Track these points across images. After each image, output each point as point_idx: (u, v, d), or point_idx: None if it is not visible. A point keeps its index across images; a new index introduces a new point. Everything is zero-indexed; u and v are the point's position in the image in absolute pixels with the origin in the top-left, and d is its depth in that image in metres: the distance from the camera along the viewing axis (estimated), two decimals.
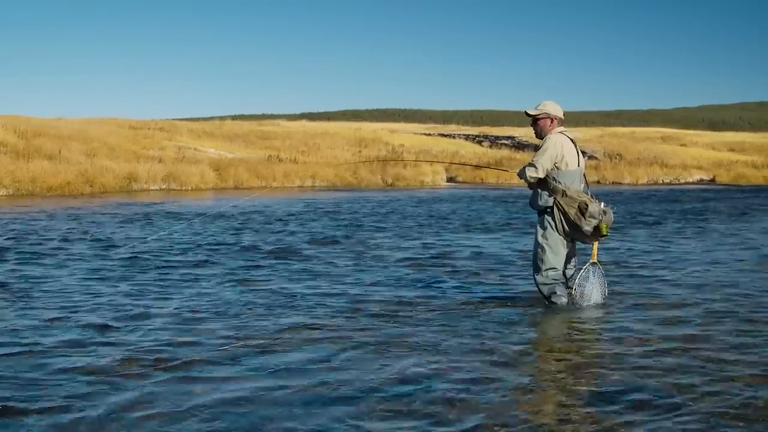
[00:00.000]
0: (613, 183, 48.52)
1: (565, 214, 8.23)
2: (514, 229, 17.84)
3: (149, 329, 7.40)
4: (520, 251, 13.50)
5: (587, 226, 8.17)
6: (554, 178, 8.32)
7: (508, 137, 70.65)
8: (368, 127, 76.40)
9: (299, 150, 48.76)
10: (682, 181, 52.98)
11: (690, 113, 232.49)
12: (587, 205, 8.16)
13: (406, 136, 66.39)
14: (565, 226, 8.28)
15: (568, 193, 8.25)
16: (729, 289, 9.79)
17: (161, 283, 10.00)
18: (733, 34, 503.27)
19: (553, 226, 8.33)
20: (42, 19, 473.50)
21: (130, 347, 6.72)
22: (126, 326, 7.49)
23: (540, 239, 8.44)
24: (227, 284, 10.01)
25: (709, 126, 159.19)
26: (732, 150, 73.29)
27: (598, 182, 47.53)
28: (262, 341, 6.96)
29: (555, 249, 8.38)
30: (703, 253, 13.60)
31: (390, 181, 41.75)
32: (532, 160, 8.42)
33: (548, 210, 8.37)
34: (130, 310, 8.28)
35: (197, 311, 8.24)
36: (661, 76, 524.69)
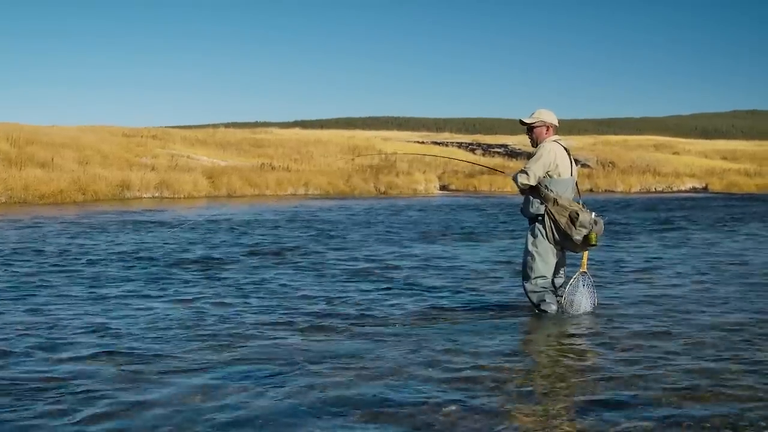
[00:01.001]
0: (605, 191, 48.59)
1: (555, 222, 8.23)
2: (471, 240, 17.78)
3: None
4: (479, 261, 13.51)
5: (577, 236, 8.18)
6: (546, 186, 8.31)
7: (501, 145, 70.68)
8: (361, 135, 76.36)
9: (292, 158, 48.74)
10: (674, 189, 53.05)
11: (682, 121, 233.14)
12: (578, 215, 8.16)
13: (400, 144, 66.39)
14: (556, 235, 8.28)
15: (560, 202, 8.24)
16: (714, 298, 9.83)
17: (60, 299, 9.40)
18: (725, 42, 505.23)
19: (544, 234, 8.32)
20: (35, 27, 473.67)
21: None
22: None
23: (530, 247, 8.42)
24: (144, 299, 9.49)
25: (702, 134, 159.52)
26: (724, 158, 73.39)
27: (591, 190, 47.56)
28: (166, 364, 6.50)
29: (545, 257, 8.36)
30: (688, 260, 13.63)
31: (383, 189, 41.76)
32: (525, 167, 8.42)
33: (539, 218, 8.36)
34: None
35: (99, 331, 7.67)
36: (654, 84, 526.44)
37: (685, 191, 51.93)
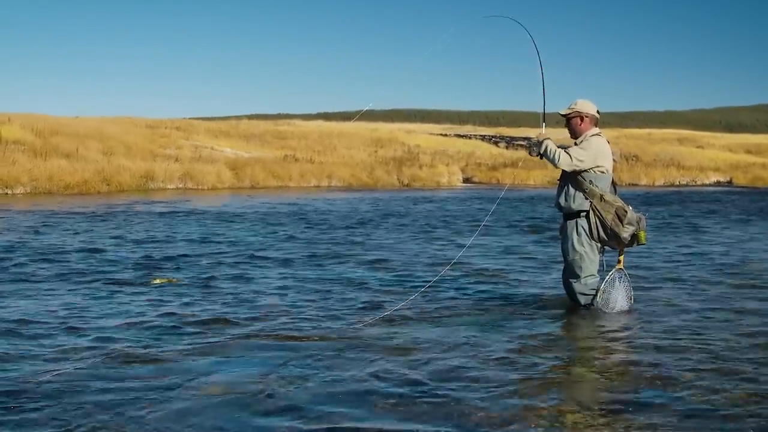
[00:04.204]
0: (629, 184, 48.25)
1: (602, 219, 8.03)
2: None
3: None
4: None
5: (625, 233, 7.99)
6: (591, 182, 8.13)
7: (524, 138, 70.40)
8: (384, 128, 76.23)
9: (315, 150, 48.74)
10: (698, 182, 52.70)
11: (706, 115, 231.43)
12: (626, 211, 8.00)
13: (423, 136, 66.29)
14: (601, 232, 8.08)
15: (606, 198, 8.07)
16: (746, 291, 9.74)
17: None
18: (749, 36, 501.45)
19: (588, 231, 8.13)
20: (59, 18, 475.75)
21: None
22: None
23: (577, 246, 8.19)
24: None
25: (726, 128, 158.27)
26: (749, 152, 72.78)
27: (614, 183, 47.20)
28: None
29: (591, 255, 8.19)
30: (722, 256, 13.51)
31: (406, 181, 41.70)
32: (571, 152, 8.13)
33: (582, 214, 8.17)
34: None
35: None
36: (678, 77, 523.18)
37: (710, 185, 51.59)
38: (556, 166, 8.20)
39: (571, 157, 8.11)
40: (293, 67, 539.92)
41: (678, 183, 51.94)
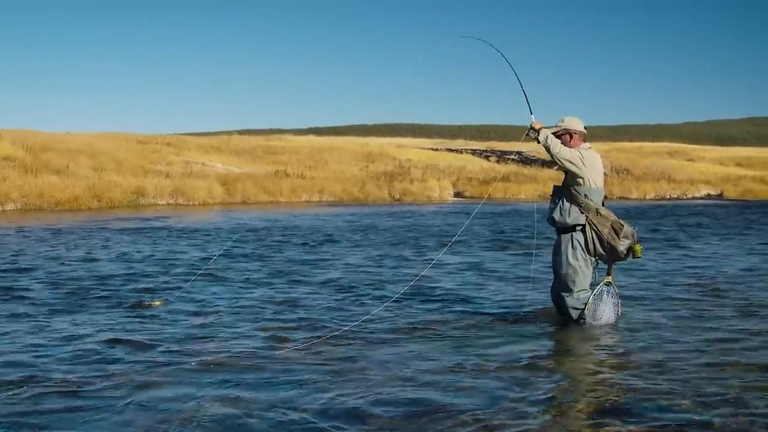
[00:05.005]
0: (620, 198, 48.39)
1: (598, 233, 8.02)
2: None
3: None
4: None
5: (622, 246, 7.98)
6: (586, 195, 8.12)
7: (515, 152, 70.45)
8: (375, 142, 76.27)
9: (306, 165, 48.76)
10: (689, 196, 52.91)
11: (697, 128, 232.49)
12: (622, 225, 8.01)
13: (414, 150, 66.37)
14: (598, 246, 8.07)
15: (601, 212, 8.06)
16: (736, 304, 9.73)
17: None
18: (740, 49, 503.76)
19: (583, 245, 8.11)
20: (50, 34, 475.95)
21: None
22: None
23: (571, 260, 8.16)
24: None
25: (717, 141, 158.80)
26: (739, 165, 73.14)
27: (605, 197, 47.11)
28: None
29: (585, 270, 8.18)
30: (708, 267, 13.52)
31: (397, 196, 41.72)
32: (572, 150, 8.10)
33: (577, 228, 8.15)
34: None
35: None
36: (669, 91, 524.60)
37: (700, 198, 51.75)
38: (553, 155, 8.12)
39: (570, 153, 8.08)
40: (284, 83, 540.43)
41: (669, 196, 52.09)
